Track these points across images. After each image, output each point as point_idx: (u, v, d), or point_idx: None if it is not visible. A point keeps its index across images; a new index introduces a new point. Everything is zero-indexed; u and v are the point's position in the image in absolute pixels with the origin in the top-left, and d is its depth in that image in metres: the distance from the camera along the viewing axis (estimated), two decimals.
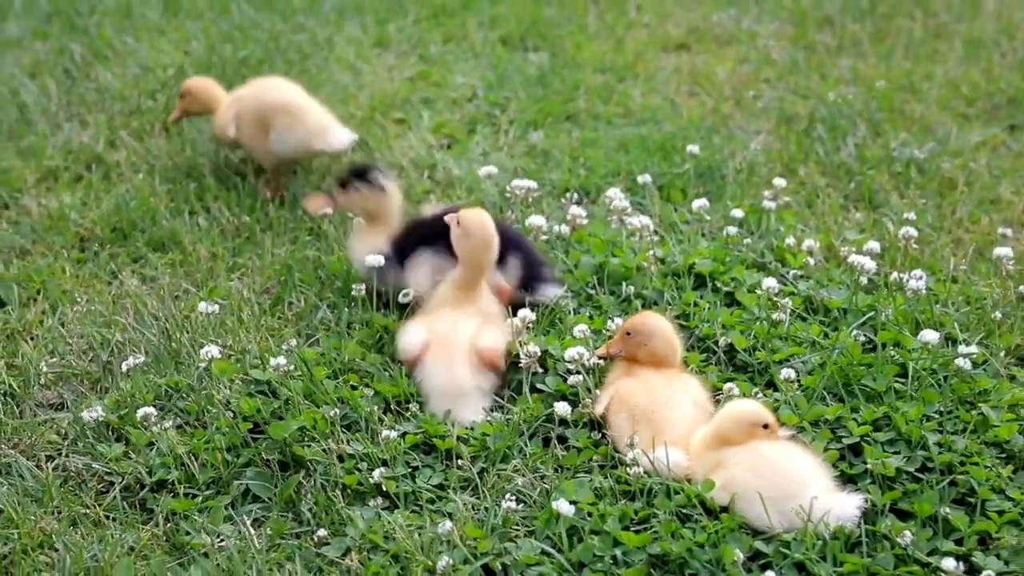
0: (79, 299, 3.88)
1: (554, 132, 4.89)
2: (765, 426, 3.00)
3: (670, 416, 3.16)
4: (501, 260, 3.62)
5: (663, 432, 3.10)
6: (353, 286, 3.70)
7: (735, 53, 5.68)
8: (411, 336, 3.47)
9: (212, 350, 3.38)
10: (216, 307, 3.60)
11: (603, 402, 3.26)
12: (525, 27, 5.82)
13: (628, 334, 3.33)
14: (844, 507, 2.89)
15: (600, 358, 3.40)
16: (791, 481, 2.92)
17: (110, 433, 3.32)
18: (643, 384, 3.24)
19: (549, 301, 3.69)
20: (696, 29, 5.91)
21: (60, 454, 3.27)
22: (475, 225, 3.52)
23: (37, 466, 3.22)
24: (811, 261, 3.88)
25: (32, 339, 3.73)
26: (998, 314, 3.60)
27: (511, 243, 3.68)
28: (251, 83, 4.60)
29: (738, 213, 4.08)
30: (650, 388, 3.22)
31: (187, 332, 3.65)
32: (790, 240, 3.99)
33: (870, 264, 3.68)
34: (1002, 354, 3.50)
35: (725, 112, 5.09)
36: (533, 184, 4.10)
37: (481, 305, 3.57)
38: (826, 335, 3.55)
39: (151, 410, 3.25)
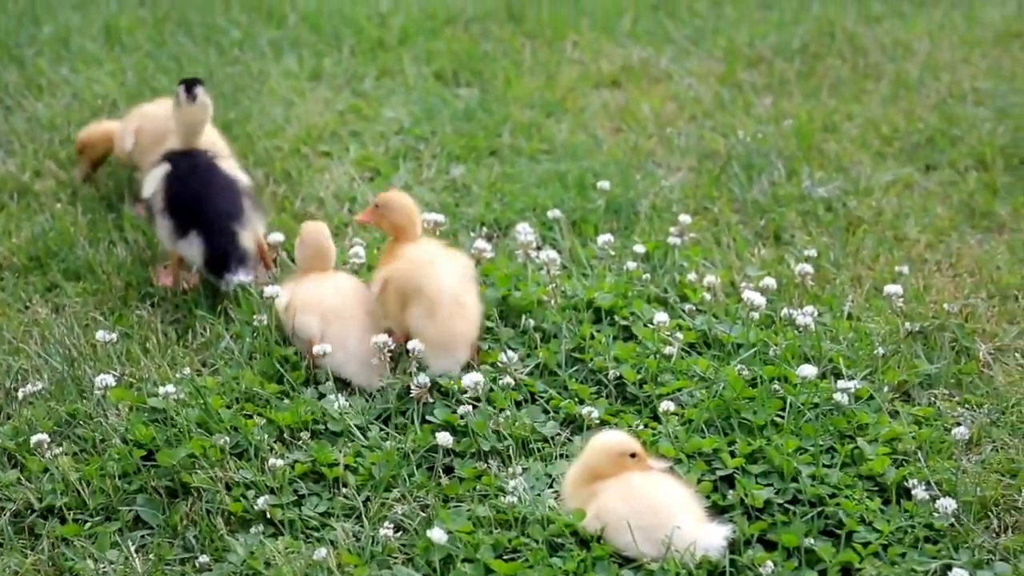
0: None
1: (476, 167, 4.98)
2: (632, 455, 3.07)
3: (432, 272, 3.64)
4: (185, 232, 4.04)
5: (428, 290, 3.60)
6: (254, 316, 3.77)
7: (664, 91, 5.78)
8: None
9: (107, 379, 3.44)
10: (114, 335, 3.66)
11: (376, 286, 3.73)
12: (459, 62, 5.91)
13: (376, 206, 3.85)
14: (711, 537, 2.96)
15: (359, 223, 4.09)
16: (660, 510, 2.99)
17: (6, 460, 3.38)
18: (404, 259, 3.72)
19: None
20: (629, 67, 6.00)
21: None
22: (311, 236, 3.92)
23: None
24: (708, 296, 3.97)
25: None
26: (881, 350, 3.68)
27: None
28: (156, 102, 4.68)
29: (640, 248, 4.16)
30: (410, 258, 3.72)
31: (92, 361, 3.72)
32: (692, 276, 4.08)
33: (760, 299, 3.76)
34: (885, 389, 3.58)
35: (647, 149, 5.18)
36: (440, 218, 4.18)
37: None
38: (716, 369, 3.63)
39: (44, 436, 3.31)
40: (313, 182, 4.79)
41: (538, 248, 4.16)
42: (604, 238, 4.20)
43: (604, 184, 4.55)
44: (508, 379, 3.51)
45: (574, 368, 3.69)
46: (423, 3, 6.71)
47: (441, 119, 5.33)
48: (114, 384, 3.45)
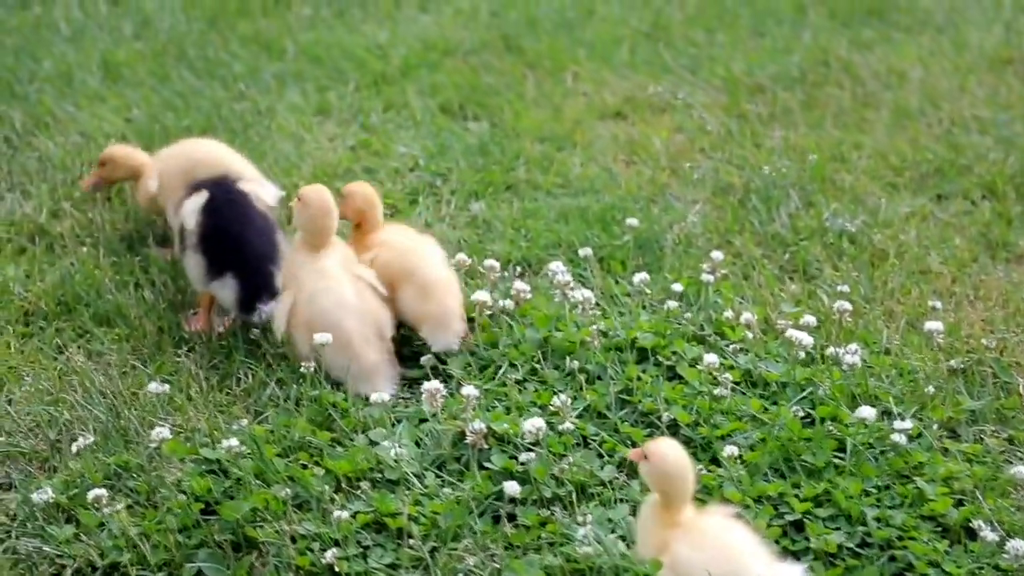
0: (24, 375, 3.89)
1: (495, 202, 4.97)
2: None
3: None
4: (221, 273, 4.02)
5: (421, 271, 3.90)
6: (302, 364, 3.74)
7: (670, 121, 5.80)
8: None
9: (163, 431, 3.40)
10: (166, 386, 3.63)
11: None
12: (464, 95, 5.91)
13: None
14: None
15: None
16: (734, 556, 2.98)
17: (60, 514, 3.33)
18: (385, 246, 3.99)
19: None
20: (632, 98, 6.02)
21: (9, 536, 3.28)
22: (314, 198, 3.91)
23: None
24: (749, 335, 3.98)
25: None
26: (931, 388, 3.71)
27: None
28: (177, 144, 4.69)
29: (678, 287, 4.17)
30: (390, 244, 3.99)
31: (135, 409, 3.67)
32: (728, 313, 4.09)
33: (807, 339, 3.78)
34: (935, 427, 3.60)
35: (662, 182, 5.19)
36: (495, 263, 4.18)
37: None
38: (765, 409, 3.64)
39: (102, 491, 3.26)
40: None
41: (571, 287, 4.16)
42: (639, 276, 4.20)
43: (632, 221, 4.55)
44: (567, 424, 3.50)
45: (624, 410, 3.69)
46: (419, 34, 6.70)
47: (454, 154, 5.32)
48: (169, 436, 3.41)
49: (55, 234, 4.66)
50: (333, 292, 3.82)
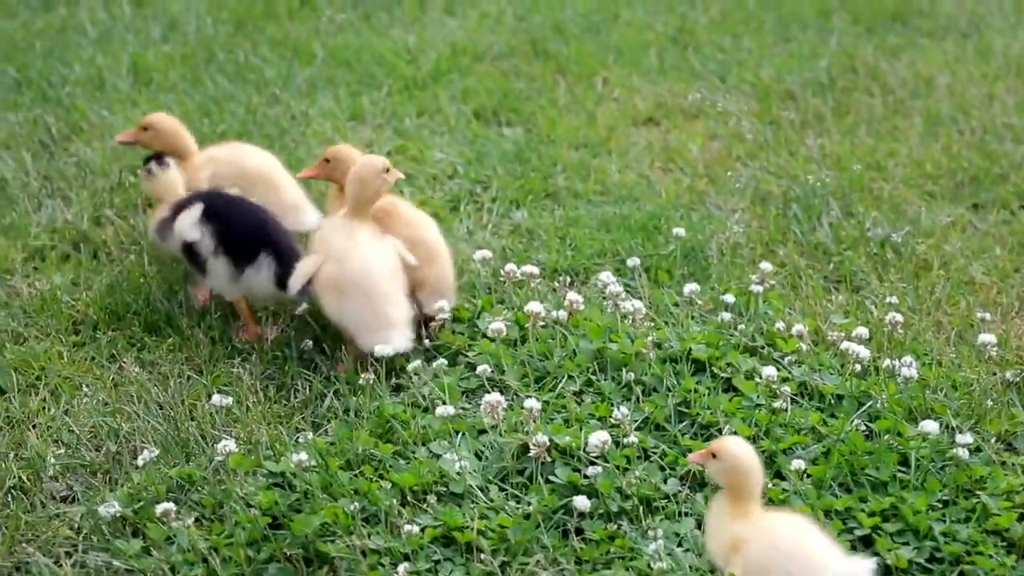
0: (80, 385, 3.89)
1: (536, 210, 4.97)
2: None
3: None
4: (253, 257, 4.04)
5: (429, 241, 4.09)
6: (361, 375, 3.74)
7: (703, 128, 5.81)
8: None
9: (229, 444, 3.40)
10: (229, 399, 3.62)
11: None
12: (497, 100, 5.90)
13: (327, 160, 4.16)
14: (861, 571, 2.89)
15: (303, 178, 4.37)
16: (809, 553, 2.92)
17: (125, 527, 3.33)
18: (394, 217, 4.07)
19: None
20: (663, 103, 6.03)
21: (77, 550, 3.28)
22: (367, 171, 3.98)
23: (56, 563, 3.22)
24: (803, 346, 3.99)
25: (35, 428, 3.73)
26: (989, 401, 3.72)
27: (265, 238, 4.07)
28: (226, 145, 4.69)
29: (730, 299, 4.18)
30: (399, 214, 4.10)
31: (194, 420, 3.67)
32: (779, 324, 4.10)
33: (864, 352, 3.80)
34: (992, 440, 3.62)
35: (700, 189, 5.20)
36: (534, 270, 4.19)
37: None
38: (824, 422, 3.65)
39: (171, 506, 3.26)
40: None
41: (622, 298, 4.17)
42: (690, 287, 4.21)
43: (679, 231, 4.56)
44: (631, 437, 3.51)
45: (683, 423, 3.69)
46: (447, 38, 6.70)
47: (491, 161, 5.32)
48: (235, 449, 3.41)
49: (99, 241, 4.65)
50: (361, 250, 3.89)
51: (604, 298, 4.18)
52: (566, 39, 6.74)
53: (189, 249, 4.14)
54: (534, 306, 4.01)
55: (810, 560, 2.89)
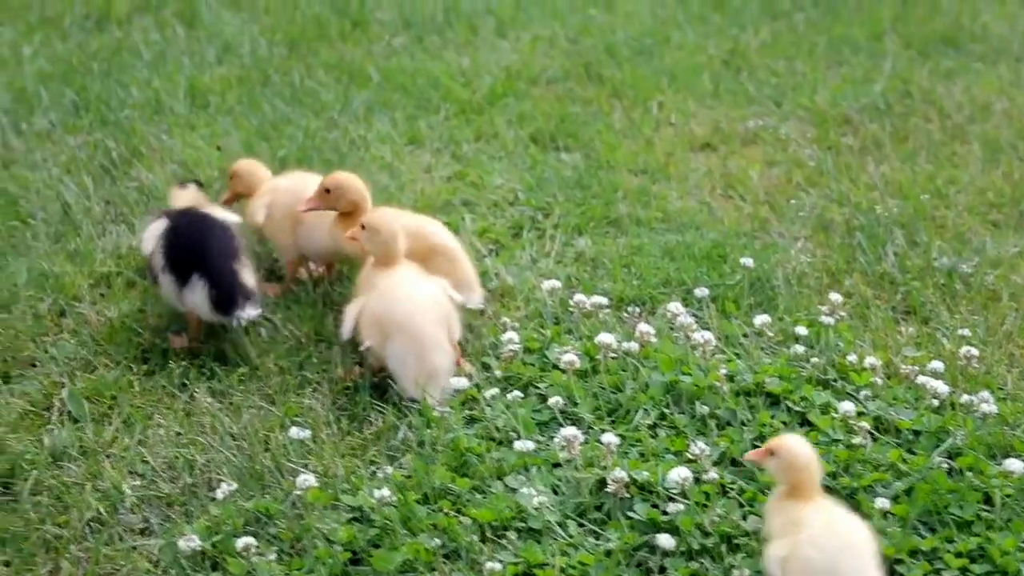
0: (151, 415, 3.88)
1: (599, 238, 4.96)
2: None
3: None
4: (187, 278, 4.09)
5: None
6: (435, 408, 3.73)
7: (761, 153, 5.79)
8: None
9: (308, 479, 3.39)
10: (307, 432, 3.62)
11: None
12: (554, 125, 5.89)
13: (328, 191, 4.21)
14: None
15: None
16: (861, 553, 2.99)
17: (204, 561, 3.32)
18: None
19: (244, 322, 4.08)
20: (720, 128, 6.01)
21: None
22: (381, 223, 4.00)
23: None
24: (877, 380, 3.96)
25: (109, 458, 3.72)
26: None
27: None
28: (289, 175, 4.68)
29: (802, 331, 4.15)
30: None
31: (269, 451, 3.66)
32: (851, 357, 4.07)
33: (943, 388, 3.77)
34: None
35: (761, 217, 5.18)
36: (603, 300, 4.17)
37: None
38: (903, 459, 3.62)
39: (251, 540, 3.25)
40: None
41: (692, 329, 4.15)
42: (761, 319, 4.19)
43: (748, 261, 4.54)
44: (711, 473, 3.49)
45: None
46: (500, 62, 6.70)
47: (551, 187, 5.31)
48: (314, 483, 3.40)
49: None
50: (406, 291, 3.91)
51: (672, 328, 4.16)
52: (619, 62, 6.73)
53: (148, 262, 4.24)
54: (605, 337, 4.00)
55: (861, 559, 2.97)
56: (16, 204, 5.03)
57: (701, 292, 4.41)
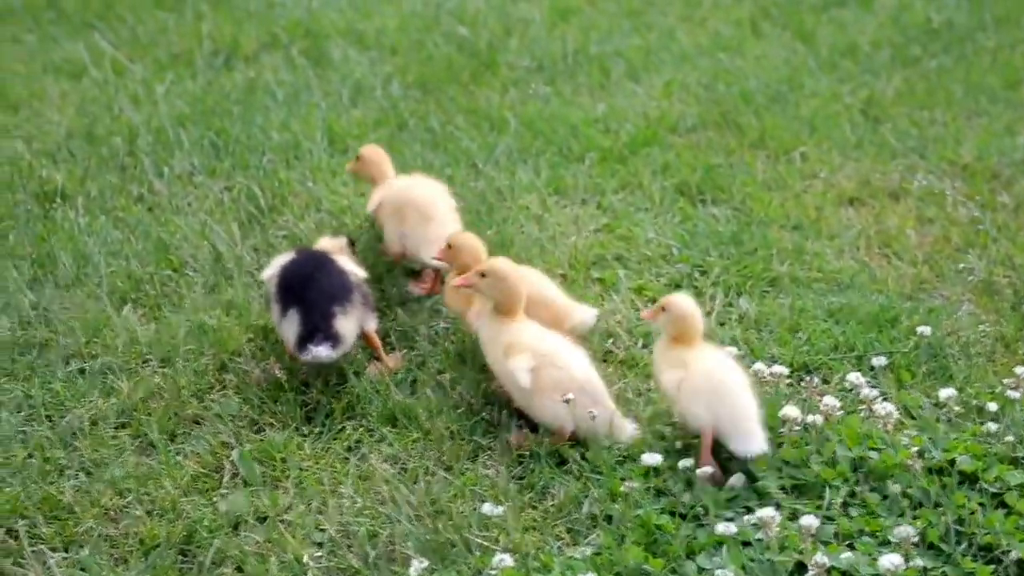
0: (323, 480, 3.80)
1: (760, 297, 4.83)
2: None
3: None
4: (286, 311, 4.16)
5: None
6: (623, 483, 3.62)
7: (911, 209, 5.63)
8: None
9: (505, 559, 3.30)
10: (501, 509, 3.52)
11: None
12: (698, 176, 5.77)
13: (450, 247, 4.29)
14: None
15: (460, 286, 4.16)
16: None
17: None
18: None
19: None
20: (866, 181, 5.86)
21: None
22: (504, 271, 4.03)
23: None
24: None
25: (283, 523, 3.64)
26: None
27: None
28: (404, 178, 4.92)
29: (992, 406, 4.01)
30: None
31: (451, 522, 3.57)
32: None
33: None
34: None
35: (923, 278, 5.03)
36: (783, 370, 4.05)
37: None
38: None
39: None
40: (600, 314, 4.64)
41: (875, 402, 4.02)
42: (947, 392, 4.05)
43: (924, 330, 4.40)
44: (917, 560, 3.35)
45: (960, 543, 3.52)
46: (635, 107, 6.59)
47: (704, 242, 5.19)
48: (510, 563, 3.30)
49: None
50: (564, 351, 3.95)
51: (849, 397, 4.04)
52: (755, 110, 6.60)
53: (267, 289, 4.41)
54: (791, 411, 3.87)
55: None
56: (167, 250, 4.98)
57: (878, 360, 4.27)
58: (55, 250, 4.98)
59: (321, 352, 4.04)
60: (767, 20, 8.12)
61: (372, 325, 4.28)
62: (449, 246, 4.31)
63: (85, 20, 7.88)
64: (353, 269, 4.36)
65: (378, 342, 4.31)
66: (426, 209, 4.70)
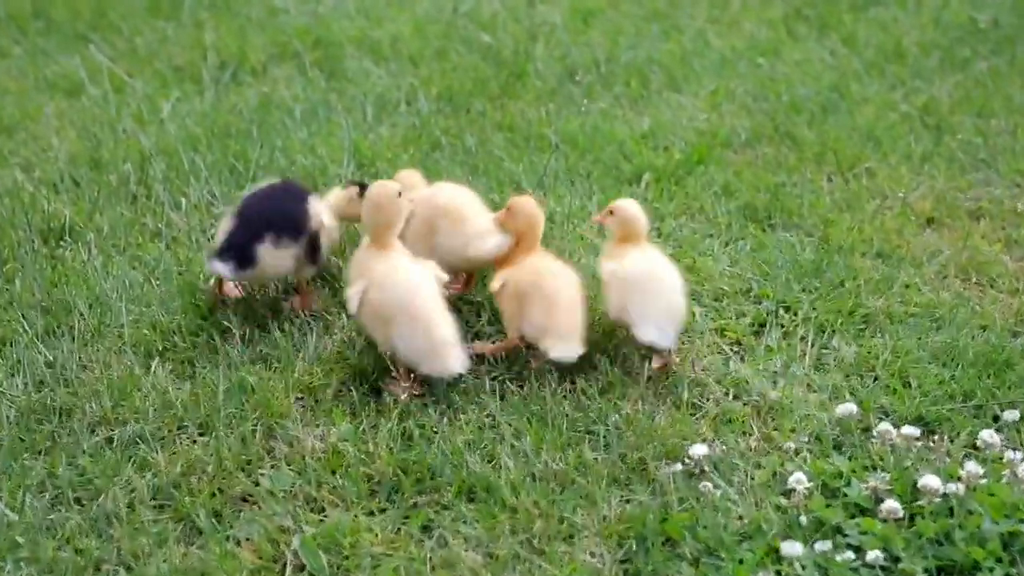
0: (399, 567, 3.32)
1: (853, 336, 4.37)
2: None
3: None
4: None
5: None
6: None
7: (995, 230, 5.18)
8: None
9: None
10: None
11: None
12: (762, 198, 5.30)
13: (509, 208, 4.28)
14: None
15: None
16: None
17: None
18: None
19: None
20: (942, 199, 5.41)
21: None
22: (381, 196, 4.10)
23: None
24: None
25: None
26: None
27: None
28: (430, 187, 4.52)
29: None
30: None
31: None
32: None
33: None
34: None
35: (1016, 308, 4.58)
36: (915, 431, 3.59)
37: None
38: None
39: None
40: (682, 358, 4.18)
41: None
42: None
43: None
44: None
45: None
46: (682, 120, 6.11)
47: (782, 273, 4.71)
48: None
49: (371, 374, 4.08)
50: (402, 274, 3.95)
51: (975, 452, 3.61)
52: (808, 120, 6.13)
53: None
54: (931, 481, 3.42)
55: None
56: (194, 294, 4.46)
57: (1012, 415, 3.82)
58: (68, 296, 4.46)
59: (218, 268, 4.15)
60: (801, 21, 7.66)
61: (309, 273, 4.37)
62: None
63: (77, 31, 7.34)
64: (323, 218, 4.36)
65: (305, 287, 4.39)
66: (461, 213, 4.39)
